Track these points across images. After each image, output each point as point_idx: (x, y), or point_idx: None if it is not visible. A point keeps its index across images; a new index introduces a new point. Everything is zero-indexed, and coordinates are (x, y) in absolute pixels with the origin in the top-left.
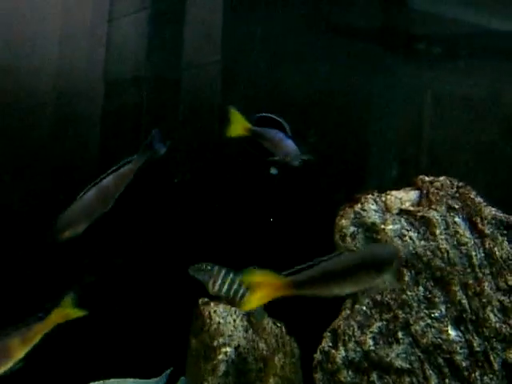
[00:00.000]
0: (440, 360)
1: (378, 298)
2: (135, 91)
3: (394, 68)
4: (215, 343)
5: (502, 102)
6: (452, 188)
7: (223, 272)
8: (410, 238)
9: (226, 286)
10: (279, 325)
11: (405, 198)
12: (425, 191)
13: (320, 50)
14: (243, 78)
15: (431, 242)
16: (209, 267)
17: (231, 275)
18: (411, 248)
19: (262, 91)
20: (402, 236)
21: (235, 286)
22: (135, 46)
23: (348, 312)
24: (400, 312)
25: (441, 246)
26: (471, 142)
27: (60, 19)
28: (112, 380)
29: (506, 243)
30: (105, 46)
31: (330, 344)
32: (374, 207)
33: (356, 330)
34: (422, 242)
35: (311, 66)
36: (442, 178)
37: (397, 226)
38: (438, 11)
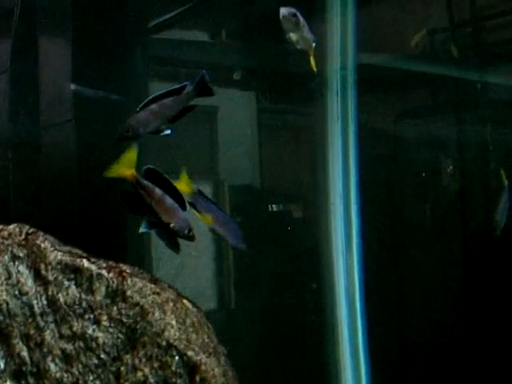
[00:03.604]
0: None
1: None
2: (1, 153)
3: None
4: None
5: None
6: (20, 235)
7: None
8: None
9: None
10: None
11: None
12: None
13: None
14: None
15: None
16: None
17: None
18: None
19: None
20: None
21: None
22: None
23: None
24: None
25: (0, 298)
26: None
27: None
28: None
29: (73, 287)
30: None
31: None
32: None
33: None
34: None
35: None
36: (11, 227)
37: None
38: None
